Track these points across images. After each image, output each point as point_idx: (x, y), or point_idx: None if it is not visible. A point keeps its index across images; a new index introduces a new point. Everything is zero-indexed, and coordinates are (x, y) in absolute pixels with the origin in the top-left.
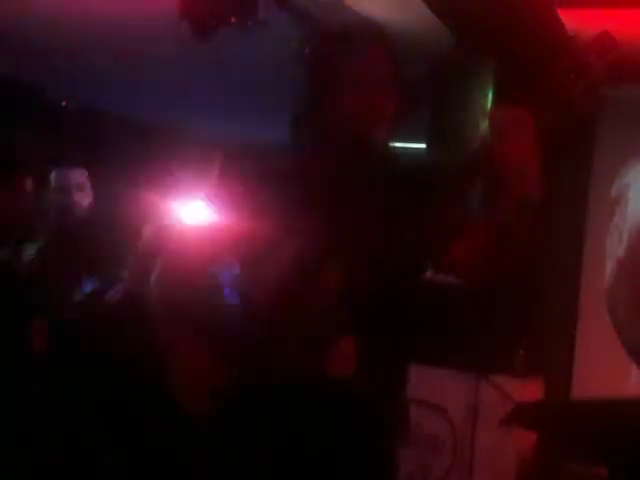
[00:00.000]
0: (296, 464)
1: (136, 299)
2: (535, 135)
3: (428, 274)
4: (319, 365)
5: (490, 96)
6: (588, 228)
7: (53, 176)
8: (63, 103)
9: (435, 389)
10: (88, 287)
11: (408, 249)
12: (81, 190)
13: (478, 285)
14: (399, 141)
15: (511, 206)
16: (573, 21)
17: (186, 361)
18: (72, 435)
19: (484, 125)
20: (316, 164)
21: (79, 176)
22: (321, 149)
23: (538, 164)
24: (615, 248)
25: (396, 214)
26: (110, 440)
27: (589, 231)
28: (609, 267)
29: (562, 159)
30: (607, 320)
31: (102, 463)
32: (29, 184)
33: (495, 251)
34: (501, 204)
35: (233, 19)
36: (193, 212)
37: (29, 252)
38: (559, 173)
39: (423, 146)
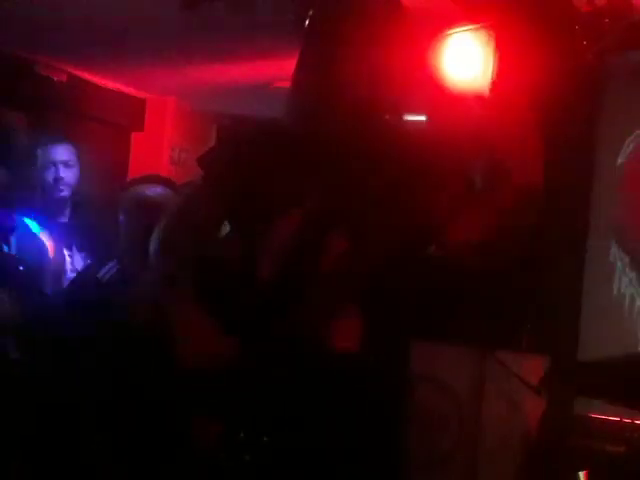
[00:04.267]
0: (299, 439)
1: (131, 275)
2: (540, 125)
3: (432, 249)
4: (323, 339)
5: (493, 66)
6: (594, 197)
7: (40, 153)
8: (54, 78)
9: (440, 365)
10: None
11: (411, 222)
12: (68, 166)
13: (477, 265)
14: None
15: (510, 195)
16: None
17: (188, 330)
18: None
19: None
20: (319, 133)
21: (66, 152)
22: (324, 116)
23: (540, 154)
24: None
25: (399, 186)
26: (104, 417)
27: (594, 200)
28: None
29: (567, 126)
30: (613, 292)
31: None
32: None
33: (493, 234)
34: (500, 191)
35: None
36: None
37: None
38: (564, 141)
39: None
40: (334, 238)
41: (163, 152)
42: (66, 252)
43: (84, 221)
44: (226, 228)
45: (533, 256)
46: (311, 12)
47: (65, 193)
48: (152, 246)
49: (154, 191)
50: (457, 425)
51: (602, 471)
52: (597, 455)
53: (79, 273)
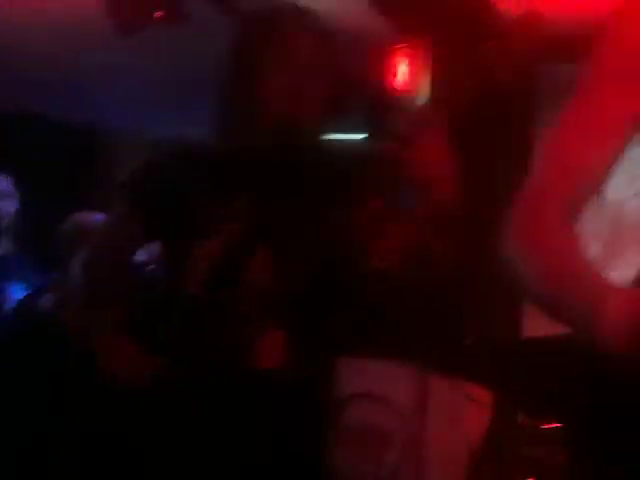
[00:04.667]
0: (222, 457)
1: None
2: (450, 140)
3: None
4: (247, 355)
5: (429, 83)
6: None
7: None
8: None
9: (382, 381)
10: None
11: (333, 238)
12: (3, 197)
13: (411, 280)
14: (341, 132)
15: (428, 213)
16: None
17: (112, 350)
18: None
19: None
20: (242, 151)
21: (2, 183)
22: (246, 136)
23: (454, 170)
24: None
25: (320, 205)
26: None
27: None
28: None
29: (498, 139)
30: None
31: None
32: None
33: (416, 252)
34: (419, 210)
35: (159, 13)
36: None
37: None
38: (495, 153)
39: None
40: (258, 255)
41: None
42: (2, 285)
43: (22, 252)
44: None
45: (468, 270)
46: (235, 31)
47: (1, 225)
48: (77, 269)
49: (95, 218)
50: (401, 441)
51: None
52: (543, 463)
53: (16, 305)
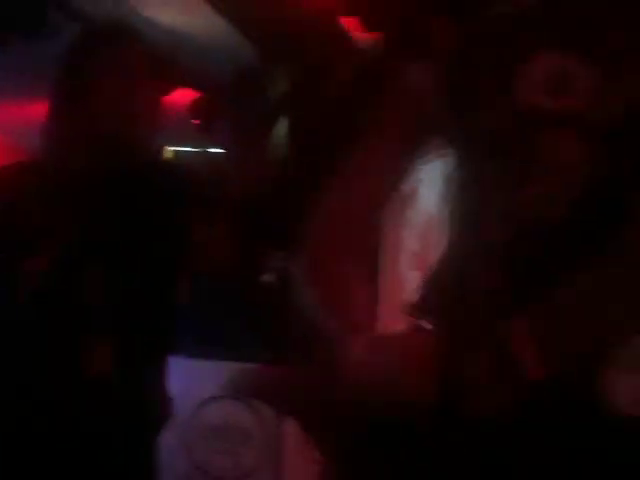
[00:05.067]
0: (57, 468)
1: None
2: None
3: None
4: (76, 365)
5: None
6: (383, 222)
7: None
8: None
9: None
10: None
11: (168, 250)
12: None
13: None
14: (201, 146)
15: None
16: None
17: None
18: None
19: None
20: (72, 165)
21: None
22: (77, 149)
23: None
24: (410, 241)
25: (152, 215)
26: None
27: (384, 225)
28: (403, 259)
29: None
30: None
31: None
32: None
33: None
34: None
35: (22, 27)
36: None
37: None
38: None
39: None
40: (89, 271)
41: None
42: None
43: None
44: None
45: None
46: (67, 50)
47: None
48: None
49: None
50: (261, 440)
51: None
52: None
53: None
